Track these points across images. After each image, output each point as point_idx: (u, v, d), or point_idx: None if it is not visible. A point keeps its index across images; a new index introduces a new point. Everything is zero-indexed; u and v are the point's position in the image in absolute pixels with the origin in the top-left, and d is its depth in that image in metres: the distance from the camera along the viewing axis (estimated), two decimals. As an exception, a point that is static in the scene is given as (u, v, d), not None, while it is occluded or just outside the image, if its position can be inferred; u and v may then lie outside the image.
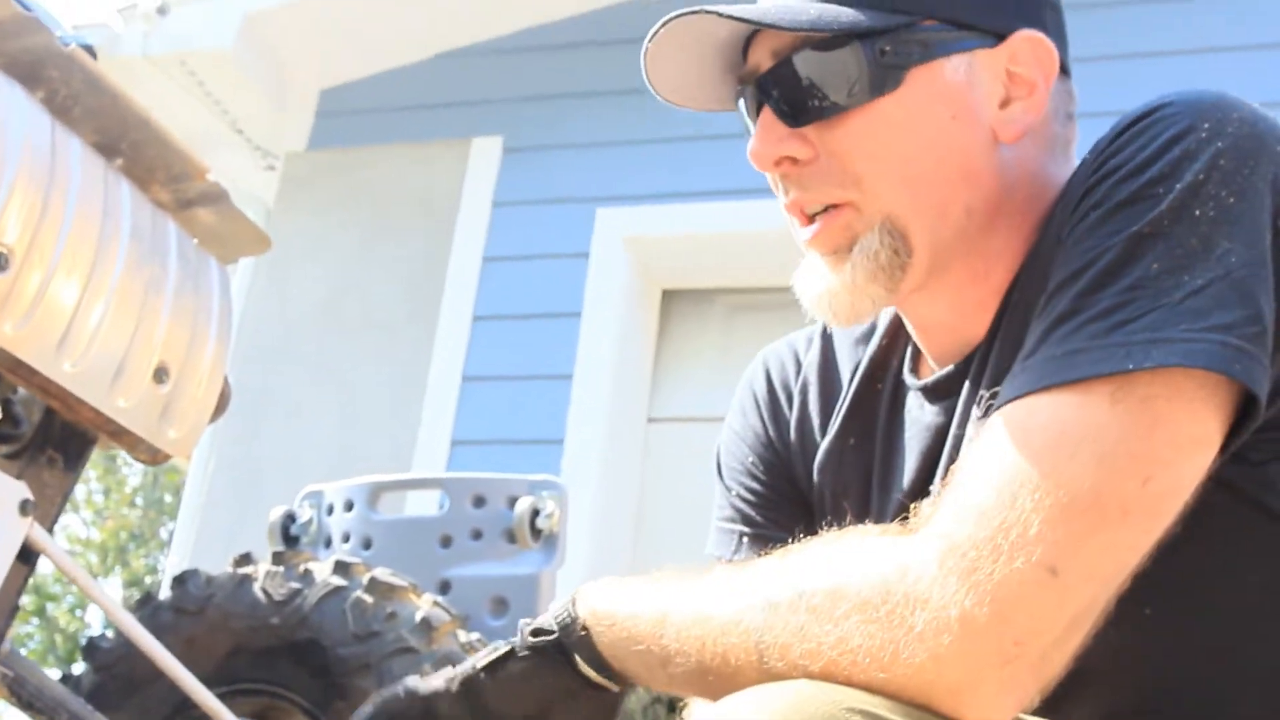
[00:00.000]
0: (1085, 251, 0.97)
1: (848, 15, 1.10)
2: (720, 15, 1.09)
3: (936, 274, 1.13)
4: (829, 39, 1.10)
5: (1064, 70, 1.18)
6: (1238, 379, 0.89)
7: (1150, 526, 0.89)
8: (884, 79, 1.10)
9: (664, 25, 1.12)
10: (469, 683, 1.11)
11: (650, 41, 1.14)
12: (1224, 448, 0.93)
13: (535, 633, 1.08)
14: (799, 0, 1.12)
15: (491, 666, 1.09)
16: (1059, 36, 1.17)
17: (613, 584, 1.09)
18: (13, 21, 1.17)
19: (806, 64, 1.11)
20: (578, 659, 1.07)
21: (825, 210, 1.13)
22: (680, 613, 1.00)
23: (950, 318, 1.16)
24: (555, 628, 1.08)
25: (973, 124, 1.11)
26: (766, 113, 1.14)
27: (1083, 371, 0.91)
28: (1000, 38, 1.13)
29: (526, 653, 1.08)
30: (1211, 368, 0.89)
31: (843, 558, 0.94)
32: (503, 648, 1.10)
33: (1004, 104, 1.13)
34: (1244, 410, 0.92)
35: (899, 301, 1.17)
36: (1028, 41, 1.13)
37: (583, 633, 1.06)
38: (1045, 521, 0.86)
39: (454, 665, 1.13)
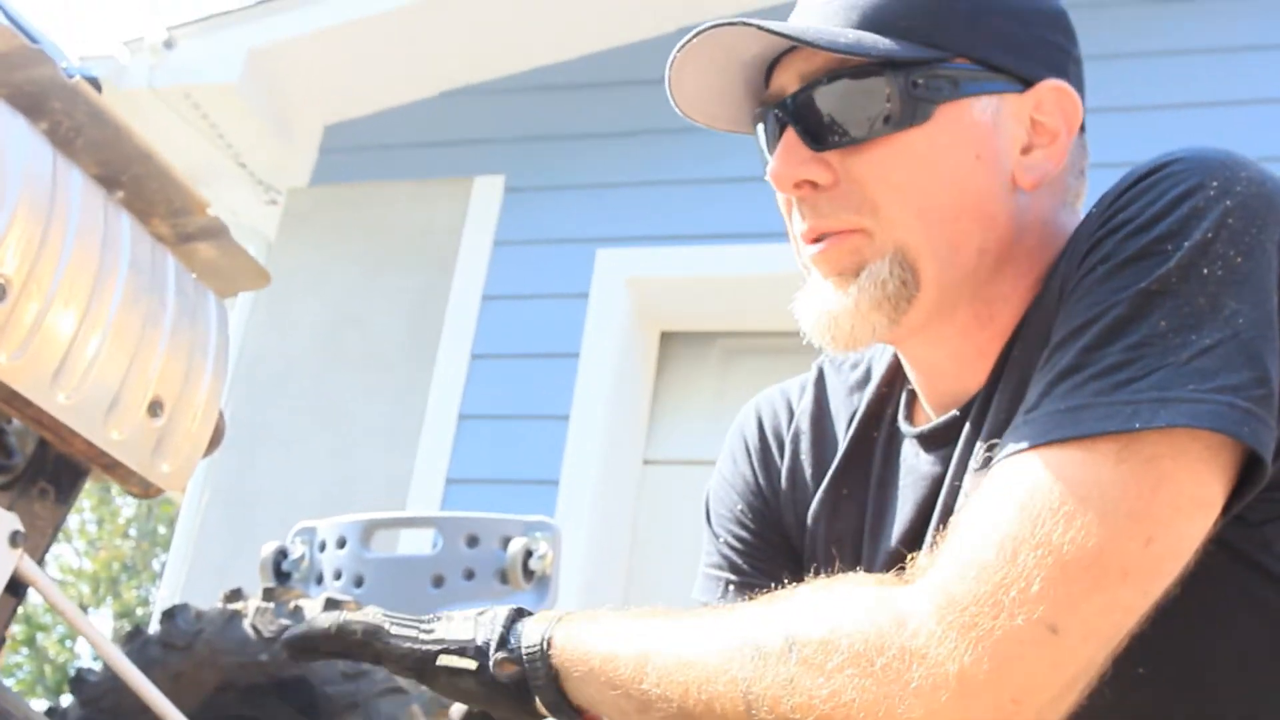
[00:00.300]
0: (1091, 306, 0.96)
1: (883, 44, 1.09)
2: (759, 29, 1.08)
3: (942, 315, 1.12)
4: (862, 66, 1.10)
5: (1080, 126, 1.18)
6: (1244, 441, 0.89)
7: (1150, 588, 0.89)
8: (914, 111, 1.09)
9: (698, 35, 1.11)
10: (423, 662, 1.09)
11: (680, 51, 1.13)
12: (1225, 509, 0.92)
13: (502, 663, 1.06)
14: (834, 25, 1.12)
15: (449, 670, 1.08)
16: (1079, 91, 1.17)
17: (590, 621, 1.06)
18: (18, 53, 1.17)
19: (836, 89, 1.11)
20: (536, 700, 1.05)
21: (835, 234, 1.12)
22: (663, 656, 0.98)
23: (950, 363, 1.15)
24: (524, 662, 1.05)
25: (994, 166, 1.11)
26: (790, 135, 1.13)
27: (1088, 428, 0.90)
28: (1028, 84, 1.13)
29: (488, 679, 1.07)
30: (1219, 429, 0.88)
31: (835, 607, 0.93)
32: (467, 662, 1.07)
33: (1026, 150, 1.13)
34: (1247, 472, 0.92)
35: (899, 339, 1.16)
36: (1054, 91, 1.14)
37: (551, 676, 1.04)
38: (1046, 580, 0.86)
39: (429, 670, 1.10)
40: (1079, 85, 1.18)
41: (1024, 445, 0.93)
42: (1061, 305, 1.01)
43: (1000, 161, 1.12)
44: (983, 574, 0.88)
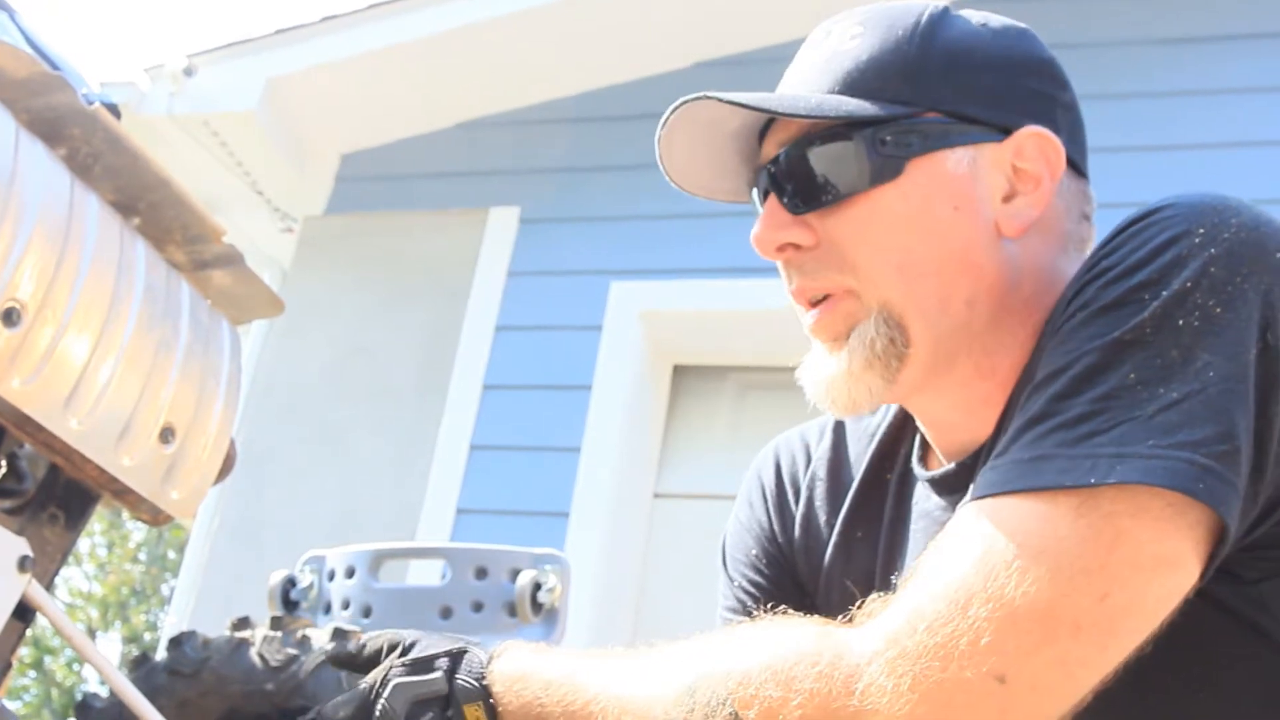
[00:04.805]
0: (1066, 353, 0.96)
1: (849, 105, 1.10)
2: (720, 100, 1.09)
3: (941, 369, 1.12)
4: (830, 129, 1.10)
5: (1081, 172, 1.17)
6: (1200, 499, 0.87)
7: (1106, 643, 0.87)
8: (883, 168, 1.10)
9: (672, 112, 1.12)
10: None
11: (662, 129, 1.14)
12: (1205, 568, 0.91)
13: None
14: (810, 88, 1.13)
15: None
16: (1073, 137, 1.16)
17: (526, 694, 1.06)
18: (38, 79, 1.18)
19: (809, 153, 1.12)
20: None
21: (825, 298, 1.13)
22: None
23: (957, 415, 1.15)
24: None
25: (975, 216, 1.11)
26: (771, 200, 1.14)
27: (1047, 480, 0.90)
28: (1007, 132, 1.13)
29: None
30: (1174, 486, 0.87)
31: (782, 664, 0.92)
32: None
33: (1008, 198, 1.12)
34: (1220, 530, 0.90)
35: (903, 396, 1.16)
36: (1034, 137, 1.13)
37: None
38: (997, 632, 0.86)
39: None
40: (1072, 131, 1.17)
41: (985, 492, 0.93)
42: (1045, 350, 1.00)
43: (981, 211, 1.11)
44: (934, 626, 0.88)
